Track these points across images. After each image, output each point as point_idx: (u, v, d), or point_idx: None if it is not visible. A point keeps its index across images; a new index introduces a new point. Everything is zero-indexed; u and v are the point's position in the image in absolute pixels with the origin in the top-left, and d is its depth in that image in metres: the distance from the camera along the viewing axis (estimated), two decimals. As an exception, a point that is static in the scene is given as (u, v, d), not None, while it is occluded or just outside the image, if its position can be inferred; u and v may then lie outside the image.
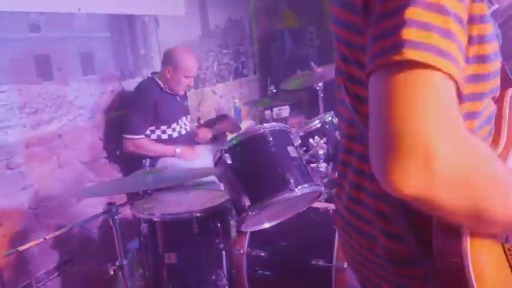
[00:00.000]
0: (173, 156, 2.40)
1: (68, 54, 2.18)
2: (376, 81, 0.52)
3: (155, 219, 1.69)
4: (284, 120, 3.27)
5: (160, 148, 2.41)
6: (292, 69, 3.92)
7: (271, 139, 1.55)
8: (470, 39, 0.56)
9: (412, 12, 0.49)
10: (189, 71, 2.44)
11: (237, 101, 3.52)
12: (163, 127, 2.45)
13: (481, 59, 0.59)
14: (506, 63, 0.68)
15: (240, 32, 4.16)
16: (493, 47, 0.60)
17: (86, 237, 2.22)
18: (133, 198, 1.63)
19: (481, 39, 0.58)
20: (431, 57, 0.48)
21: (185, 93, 2.71)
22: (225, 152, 1.57)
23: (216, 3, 3.66)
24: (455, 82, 0.49)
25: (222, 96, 3.77)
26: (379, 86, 0.51)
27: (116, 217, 1.37)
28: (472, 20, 0.55)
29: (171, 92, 2.49)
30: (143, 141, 2.37)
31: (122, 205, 1.45)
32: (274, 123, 1.64)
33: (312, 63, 2.46)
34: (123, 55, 2.61)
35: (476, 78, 0.59)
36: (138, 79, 2.63)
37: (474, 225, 0.54)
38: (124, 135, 2.34)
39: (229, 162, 1.56)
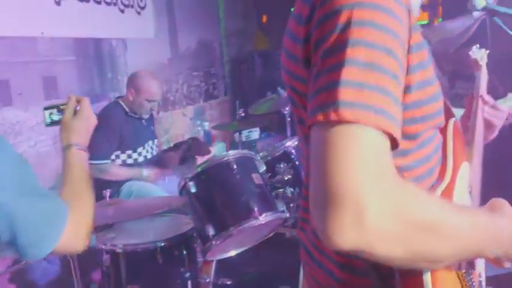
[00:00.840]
0: (139, 179, 2.37)
1: (29, 79, 2.13)
2: (312, 135, 0.54)
3: (118, 250, 1.64)
4: (254, 142, 3.28)
5: (126, 172, 2.37)
6: (263, 91, 3.97)
7: (235, 167, 1.54)
8: (412, 68, 0.58)
9: (348, 72, 0.51)
10: (152, 95, 2.43)
11: (206, 123, 3.52)
12: (129, 152, 2.42)
13: (424, 83, 0.61)
14: (464, 83, 0.71)
15: (211, 54, 4.19)
16: (431, 71, 0.63)
17: (45, 268, 2.14)
18: (94, 228, 1.58)
19: (422, 66, 0.60)
20: (363, 115, 0.50)
21: (152, 116, 2.69)
22: (189, 180, 1.56)
23: (186, 25, 3.68)
24: (390, 135, 0.51)
25: (192, 118, 3.76)
26: (314, 141, 0.53)
27: (73, 251, 1.32)
28: (411, 49, 0.58)
29: (136, 116, 2.47)
30: (108, 166, 2.33)
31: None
32: (239, 150, 1.65)
33: (279, 88, 2.50)
34: (89, 79, 2.58)
35: (419, 103, 0.62)
36: (105, 103, 2.59)
37: (417, 266, 0.56)
38: (89, 161, 2.28)
39: (194, 190, 1.54)
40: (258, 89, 4.30)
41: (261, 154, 1.90)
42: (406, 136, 0.59)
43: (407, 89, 0.58)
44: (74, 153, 1.02)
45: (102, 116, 2.39)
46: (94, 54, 2.63)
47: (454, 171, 0.67)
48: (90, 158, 2.38)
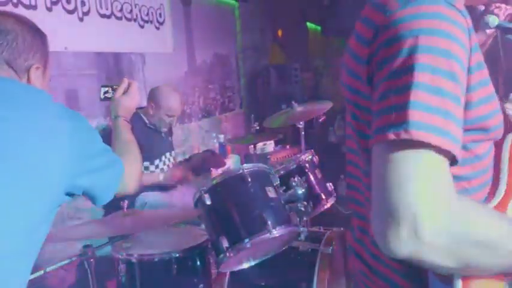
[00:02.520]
0: (158, 183, 2.40)
1: (52, 92, 2.20)
2: (377, 153, 0.58)
3: (133, 260, 1.68)
4: (268, 155, 3.31)
5: (145, 179, 2.39)
6: (278, 105, 4.00)
7: (249, 180, 1.57)
8: (473, 86, 0.62)
9: (416, 95, 0.56)
10: (172, 110, 2.46)
11: (222, 136, 3.56)
12: (146, 163, 2.45)
13: (484, 99, 0.65)
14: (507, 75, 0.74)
15: (227, 67, 4.26)
16: (491, 88, 0.67)
17: (62, 278, 2.18)
18: (111, 238, 1.62)
19: (482, 83, 0.65)
20: (430, 136, 0.54)
21: (170, 128, 2.73)
22: (205, 193, 1.59)
23: (202, 40, 3.76)
24: (452, 155, 0.56)
25: (207, 130, 3.81)
26: (379, 158, 0.58)
27: (91, 260, 1.36)
28: (471, 70, 0.62)
29: (155, 128, 2.51)
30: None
31: (99, 247, 1.44)
32: (253, 164, 1.67)
33: (293, 102, 2.52)
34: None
35: (480, 118, 0.65)
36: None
37: (468, 274, 0.60)
38: None
39: (208, 203, 1.57)
40: (273, 102, 4.34)
41: (275, 168, 1.92)
42: (465, 147, 0.63)
43: (468, 105, 0.62)
44: (121, 122, 1.29)
45: None
46: (114, 68, 2.71)
47: (510, 184, 0.70)
48: None
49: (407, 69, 0.57)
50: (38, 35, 0.99)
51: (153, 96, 2.48)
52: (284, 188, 1.82)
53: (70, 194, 0.92)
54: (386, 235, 0.54)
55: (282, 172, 1.91)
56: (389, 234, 0.54)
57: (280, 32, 5.41)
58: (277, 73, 4.65)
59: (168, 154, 2.60)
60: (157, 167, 2.50)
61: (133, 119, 2.45)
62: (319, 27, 6.20)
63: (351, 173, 0.80)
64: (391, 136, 0.55)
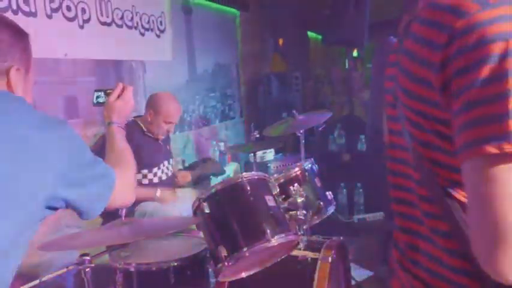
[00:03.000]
0: (153, 199, 2.37)
1: (51, 98, 2.20)
2: (472, 169, 0.54)
3: (131, 269, 1.66)
4: (268, 164, 3.29)
5: (139, 192, 2.38)
6: (279, 113, 4.00)
7: (249, 188, 1.56)
8: None
9: None
10: (170, 117, 2.45)
11: (222, 144, 3.55)
12: (144, 171, 2.43)
13: None
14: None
15: (227, 75, 4.27)
16: None
17: (59, 286, 2.15)
18: (109, 247, 1.60)
19: None
20: None
21: (168, 137, 2.72)
22: (204, 201, 1.57)
23: (203, 48, 3.77)
24: None
25: (207, 138, 3.80)
26: (477, 174, 0.53)
27: (88, 269, 1.34)
28: None
29: (153, 136, 2.50)
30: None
31: (97, 256, 1.42)
32: (253, 172, 1.66)
33: (294, 111, 2.52)
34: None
35: None
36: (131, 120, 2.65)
37: None
38: None
39: (207, 211, 1.56)
40: (274, 110, 4.34)
41: (274, 176, 1.91)
42: None
43: None
44: (115, 129, 1.21)
45: None
46: (114, 75, 2.71)
47: None
48: None
49: (500, 76, 0.52)
50: (19, 35, 0.92)
51: (151, 102, 2.47)
52: (283, 196, 1.81)
53: (52, 208, 0.87)
54: (497, 258, 0.50)
55: (281, 180, 1.89)
56: (500, 257, 0.50)
57: (281, 41, 5.44)
58: (278, 81, 4.65)
59: (166, 162, 2.59)
60: (155, 175, 2.49)
61: (131, 127, 2.46)
62: (320, 36, 6.23)
63: (399, 185, 0.75)
64: (491, 150, 0.51)
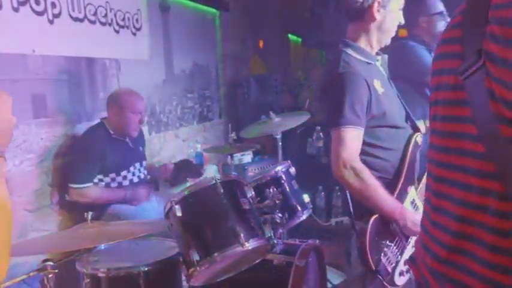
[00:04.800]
0: (123, 202, 2.31)
1: (18, 97, 2.10)
2: None
3: (99, 274, 1.58)
4: (246, 166, 3.25)
5: (106, 195, 2.31)
6: (257, 115, 3.96)
7: (222, 191, 1.51)
8: None
9: None
10: (135, 106, 2.39)
11: (199, 145, 3.49)
12: (112, 175, 2.35)
13: None
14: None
15: (206, 76, 4.20)
16: None
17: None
18: (76, 252, 1.53)
19: None
20: None
21: (142, 137, 2.65)
22: (175, 204, 1.51)
23: (182, 48, 3.70)
24: None
25: (185, 140, 3.73)
26: None
27: (51, 275, 1.26)
28: None
29: (121, 138, 2.42)
30: (89, 190, 2.26)
31: (60, 261, 1.35)
32: (227, 174, 1.61)
33: (271, 112, 2.48)
34: (80, 98, 2.56)
35: None
36: (96, 122, 2.56)
37: None
38: (69, 184, 2.24)
39: (179, 214, 1.50)
40: (253, 112, 4.30)
41: (250, 178, 1.87)
42: None
43: None
44: None
45: (83, 138, 2.35)
46: (86, 74, 2.62)
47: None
48: (70, 181, 2.34)
49: None
50: None
51: (113, 99, 2.40)
52: (259, 199, 1.77)
53: None
54: None
55: (257, 183, 1.85)
56: None
57: (261, 43, 5.41)
58: (257, 84, 4.62)
59: (137, 165, 2.51)
60: (125, 178, 2.41)
61: (96, 130, 2.38)
62: (300, 39, 6.24)
63: (441, 192, 0.70)
64: None
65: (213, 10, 4.32)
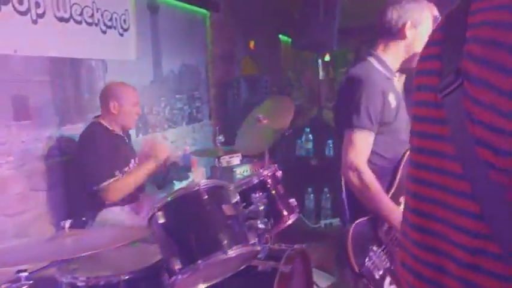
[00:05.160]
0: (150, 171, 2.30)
1: (-1, 98, 2.05)
2: None
3: (79, 283, 1.54)
4: (234, 168, 3.22)
5: (136, 174, 2.29)
6: (247, 116, 3.94)
7: (206, 197, 1.48)
8: None
9: None
10: (134, 98, 2.37)
11: (187, 148, 3.45)
12: (116, 172, 2.30)
13: None
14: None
15: (196, 77, 4.17)
16: None
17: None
18: (53, 262, 1.48)
19: None
20: None
21: (129, 136, 2.61)
22: (158, 210, 1.48)
23: (170, 48, 3.66)
24: None
25: (173, 141, 3.69)
26: None
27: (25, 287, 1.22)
28: None
29: (120, 134, 2.39)
30: (122, 180, 2.23)
31: (39, 271, 1.31)
32: (211, 180, 1.59)
33: (258, 115, 2.46)
34: (64, 100, 2.51)
35: None
36: (81, 125, 2.51)
37: None
38: (98, 186, 2.14)
39: (162, 221, 1.47)
40: (243, 114, 4.27)
41: (235, 183, 1.84)
42: None
43: None
44: None
45: (89, 138, 2.26)
46: (71, 75, 2.57)
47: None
48: (96, 183, 2.25)
49: None
50: None
51: (110, 94, 2.33)
52: (244, 204, 1.74)
53: None
54: None
55: (243, 187, 1.83)
56: None
57: (252, 44, 5.39)
58: (247, 85, 4.59)
59: (133, 161, 2.48)
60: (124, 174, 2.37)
61: (96, 129, 2.33)
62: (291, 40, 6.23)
63: (426, 196, 0.68)
64: None
65: (203, 11, 4.28)
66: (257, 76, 4.90)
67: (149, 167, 2.32)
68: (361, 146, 1.61)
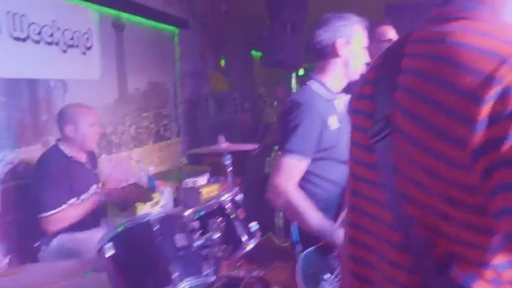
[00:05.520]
0: (100, 204, 2.25)
1: None
2: None
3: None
4: (199, 188, 3.18)
5: (83, 208, 2.20)
6: (216, 134, 3.92)
7: (157, 227, 1.45)
8: None
9: None
10: (91, 118, 2.30)
11: (151, 168, 3.39)
12: (73, 200, 2.22)
13: None
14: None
15: (163, 94, 4.13)
16: None
17: None
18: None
19: None
20: None
21: (94, 158, 2.54)
22: (108, 241, 1.44)
23: (137, 66, 3.62)
24: None
25: (138, 161, 3.63)
26: None
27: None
28: None
29: (78, 160, 2.32)
30: (66, 211, 2.14)
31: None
32: (164, 208, 1.55)
33: (220, 137, 2.44)
34: (20, 121, 2.42)
35: None
36: (37, 147, 2.44)
37: None
38: (42, 215, 2.08)
39: (111, 252, 1.42)
40: (212, 131, 4.24)
41: (192, 210, 1.81)
42: None
43: None
44: None
45: (42, 165, 2.20)
46: (28, 95, 2.50)
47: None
48: (43, 211, 2.17)
49: None
50: None
51: (65, 117, 2.27)
52: (201, 231, 1.71)
53: None
54: None
55: (200, 214, 1.79)
56: None
57: (222, 60, 5.39)
58: (216, 102, 4.57)
59: (95, 186, 2.41)
60: (83, 201, 2.29)
61: (54, 154, 2.26)
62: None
63: (358, 240, 0.69)
64: None
65: (172, 28, 4.27)
66: (226, 93, 4.89)
67: (98, 202, 2.27)
68: (290, 170, 1.57)
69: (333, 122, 1.64)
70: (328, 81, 1.70)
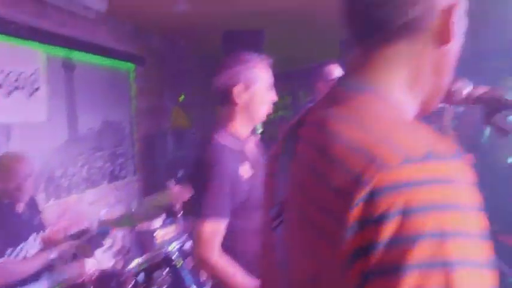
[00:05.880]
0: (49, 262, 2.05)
1: None
2: None
3: None
4: (155, 231, 3.07)
5: (29, 265, 2.03)
6: (175, 171, 3.84)
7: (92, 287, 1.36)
8: None
9: None
10: (22, 171, 2.18)
11: (103, 211, 3.26)
12: (8, 250, 2.08)
13: None
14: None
15: (119, 133, 4.04)
16: None
17: None
18: None
19: None
20: None
21: (36, 207, 2.40)
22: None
23: (90, 105, 3.53)
24: None
25: (92, 203, 3.48)
26: None
27: None
28: None
29: (13, 209, 2.19)
30: (8, 264, 1.99)
31: None
32: (102, 266, 1.47)
33: (171, 181, 2.38)
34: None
35: None
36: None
37: None
38: None
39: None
40: (171, 167, 4.16)
41: (137, 262, 1.73)
42: None
43: None
44: None
45: None
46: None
47: None
48: None
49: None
50: None
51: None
52: (145, 285, 1.64)
53: None
54: None
55: (144, 266, 1.72)
56: None
57: (181, 96, 5.36)
58: (176, 137, 4.52)
59: (35, 234, 2.26)
60: (21, 249, 2.14)
61: None
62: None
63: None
64: None
65: (128, 64, 4.23)
66: (184, 129, 4.85)
67: (48, 260, 2.13)
68: (209, 238, 1.44)
69: (245, 171, 1.52)
70: (234, 128, 1.55)
